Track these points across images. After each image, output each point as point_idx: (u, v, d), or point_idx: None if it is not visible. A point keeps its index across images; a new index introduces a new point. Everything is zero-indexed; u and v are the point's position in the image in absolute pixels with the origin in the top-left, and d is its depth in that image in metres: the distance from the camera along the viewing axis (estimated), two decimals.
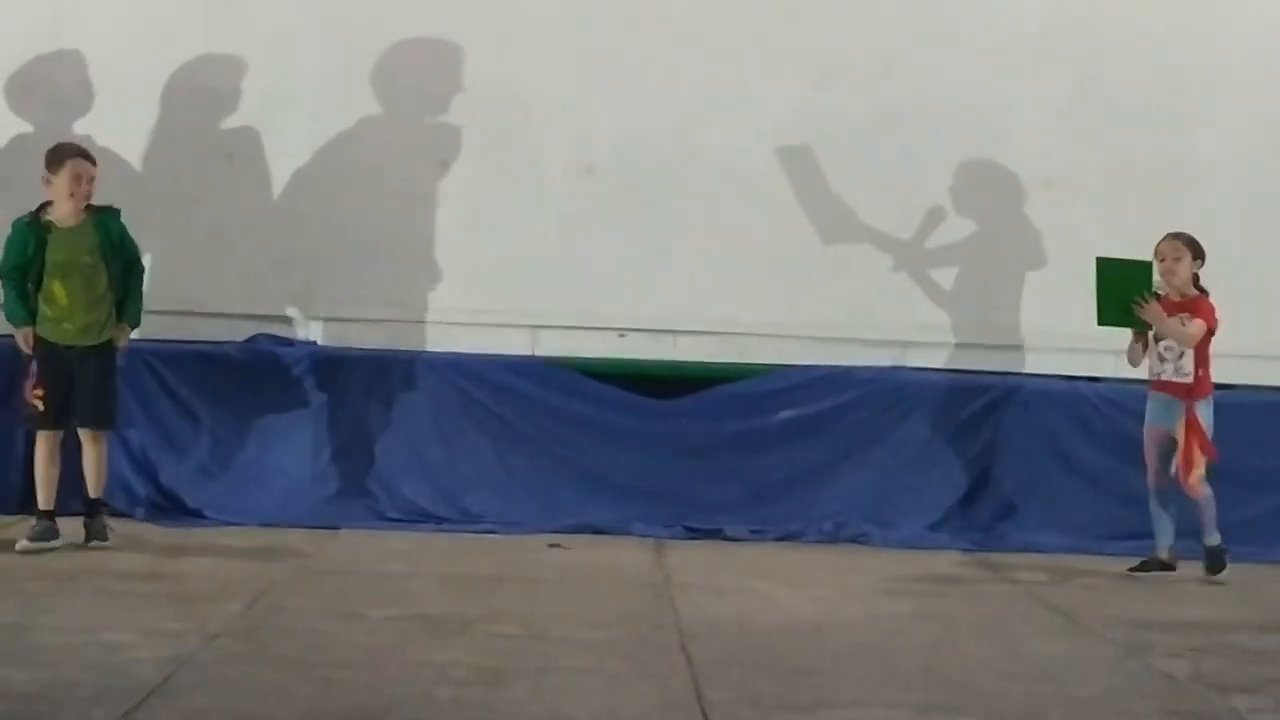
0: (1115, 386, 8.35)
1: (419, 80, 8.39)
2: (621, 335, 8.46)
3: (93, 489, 7.39)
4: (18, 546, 7.14)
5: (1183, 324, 7.38)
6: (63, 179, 7.20)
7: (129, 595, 6.35)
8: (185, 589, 6.51)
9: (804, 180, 8.49)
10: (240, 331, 8.36)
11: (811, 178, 8.50)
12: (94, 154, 7.38)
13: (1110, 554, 7.92)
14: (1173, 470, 7.45)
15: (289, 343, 8.44)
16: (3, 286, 7.35)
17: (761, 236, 8.44)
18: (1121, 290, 7.29)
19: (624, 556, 7.72)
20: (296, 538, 7.78)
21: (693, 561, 7.59)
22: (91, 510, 7.38)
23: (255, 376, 8.35)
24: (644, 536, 8.16)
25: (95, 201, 7.30)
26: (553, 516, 8.26)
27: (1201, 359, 7.43)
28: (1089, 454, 8.41)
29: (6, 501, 8.07)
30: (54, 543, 7.21)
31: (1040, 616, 6.68)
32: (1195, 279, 7.49)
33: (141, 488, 8.15)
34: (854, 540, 8.23)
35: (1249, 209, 8.42)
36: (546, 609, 6.36)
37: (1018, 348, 8.55)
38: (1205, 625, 6.48)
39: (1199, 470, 7.31)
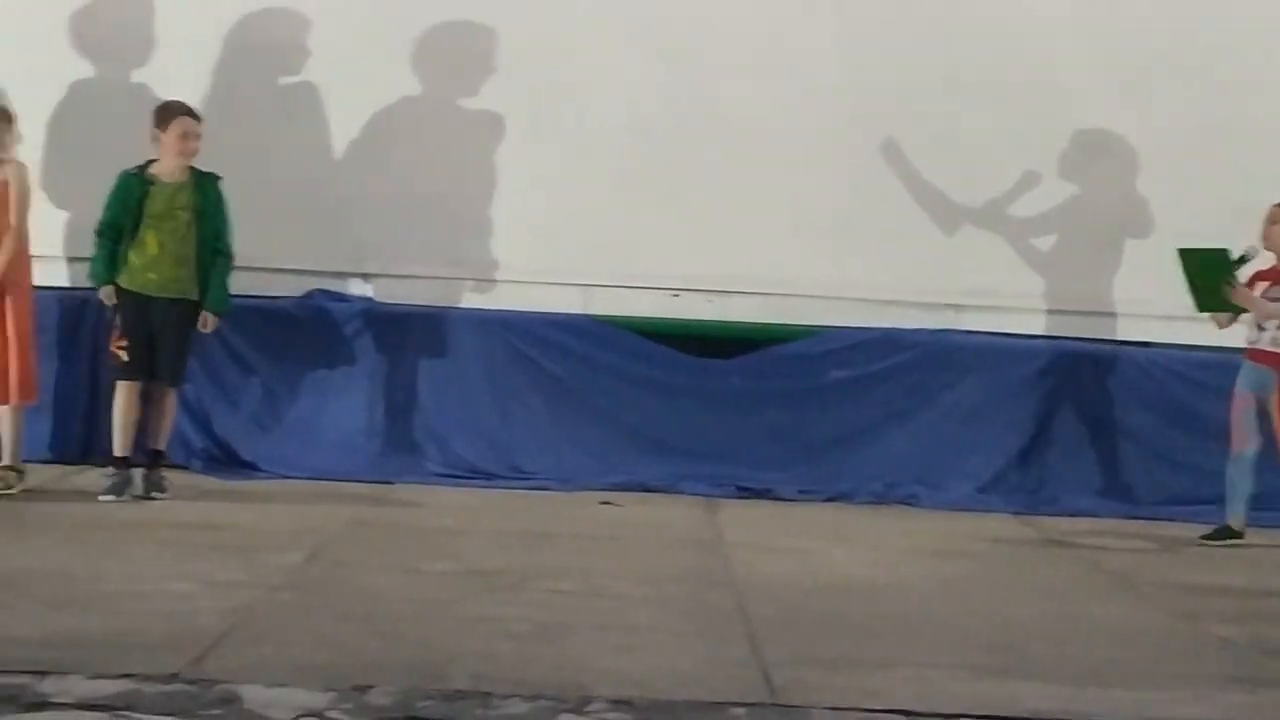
0: (1166, 351, 8.34)
1: (473, 38, 8.40)
2: (674, 295, 8.49)
3: (157, 440, 7.50)
4: (100, 497, 7.25)
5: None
6: (171, 135, 7.35)
7: (191, 546, 6.44)
8: (245, 541, 6.60)
9: (857, 141, 8.48)
10: (297, 287, 8.43)
11: (865, 139, 8.48)
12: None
13: (1161, 518, 7.93)
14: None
15: (344, 298, 8.51)
16: (96, 243, 7.46)
17: (815, 198, 8.44)
18: (1208, 277, 7.28)
19: (675, 514, 7.78)
20: (350, 492, 7.88)
21: (744, 520, 7.64)
22: (153, 461, 7.48)
23: (310, 331, 8.44)
24: (694, 495, 8.22)
25: None
26: (604, 474, 8.32)
27: None
28: (1140, 419, 8.40)
29: (69, 450, 8.19)
30: (128, 493, 7.32)
31: (1094, 580, 6.71)
32: None
33: (198, 440, 8.25)
34: (903, 502, 8.27)
35: None
36: (601, 565, 6.42)
37: (1069, 312, 8.53)
38: (1262, 591, 6.49)
39: None
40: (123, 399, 7.43)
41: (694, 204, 8.44)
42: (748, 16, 8.41)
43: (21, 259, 7.45)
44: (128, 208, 7.37)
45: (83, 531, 6.63)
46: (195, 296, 7.43)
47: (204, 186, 7.43)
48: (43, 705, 4.23)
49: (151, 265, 7.38)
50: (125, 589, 5.58)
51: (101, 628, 5.02)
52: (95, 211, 8.01)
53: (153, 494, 7.41)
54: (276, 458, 8.30)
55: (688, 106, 8.41)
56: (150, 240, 7.37)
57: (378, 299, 8.52)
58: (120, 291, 7.40)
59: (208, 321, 7.47)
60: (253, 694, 4.40)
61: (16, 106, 7.58)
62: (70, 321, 8.27)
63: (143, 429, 7.49)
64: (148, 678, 4.46)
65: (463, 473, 8.32)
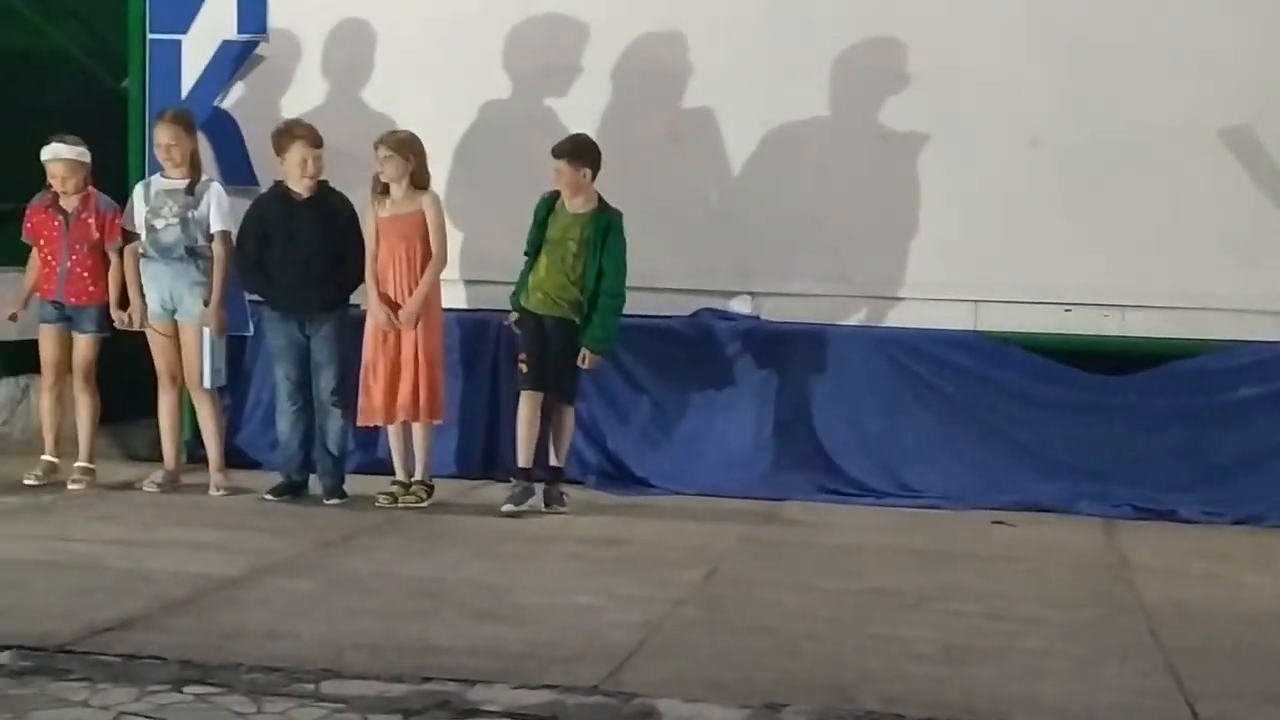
0: None
1: (862, 56, 8.36)
2: (1067, 310, 8.25)
3: (557, 456, 7.75)
4: (503, 507, 7.54)
5: None
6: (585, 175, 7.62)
7: (594, 560, 6.63)
8: (645, 555, 6.75)
9: (1260, 150, 8.07)
10: (685, 306, 8.56)
11: (1270, 146, 8.07)
12: (567, 137, 7.75)
13: None
14: None
15: (731, 317, 8.60)
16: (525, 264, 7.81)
17: (1215, 208, 8.06)
18: None
19: (1072, 535, 7.55)
20: (740, 508, 7.96)
21: (1146, 542, 7.36)
22: (553, 477, 7.72)
23: (698, 350, 8.56)
24: (1089, 515, 7.96)
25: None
26: (995, 493, 8.15)
27: None
28: None
29: (471, 465, 8.56)
30: (528, 504, 7.59)
31: None
32: None
33: (592, 456, 8.49)
34: None
35: None
36: (1001, 587, 6.30)
37: None
38: None
39: None
40: (524, 410, 7.69)
41: (1087, 216, 8.18)
42: (1139, 26, 8.11)
43: (434, 285, 7.82)
44: (539, 226, 7.68)
45: (492, 544, 6.90)
46: (575, 318, 7.64)
47: (599, 221, 7.62)
48: (473, 713, 4.42)
49: (539, 285, 7.66)
50: (537, 601, 5.78)
51: (519, 638, 5.21)
52: (492, 236, 8.40)
53: (553, 508, 7.66)
54: (667, 474, 8.46)
55: (1080, 119, 8.15)
56: (543, 262, 7.67)
57: (765, 317, 8.59)
58: (522, 309, 7.73)
59: (585, 358, 7.66)
60: (670, 708, 4.50)
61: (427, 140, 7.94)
62: (471, 342, 8.64)
63: (542, 445, 7.75)
64: (569, 689, 4.62)
65: (851, 490, 8.30)
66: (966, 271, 8.31)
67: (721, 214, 8.57)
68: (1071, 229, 8.17)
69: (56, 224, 8.08)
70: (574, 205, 7.64)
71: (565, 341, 7.67)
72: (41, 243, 8.14)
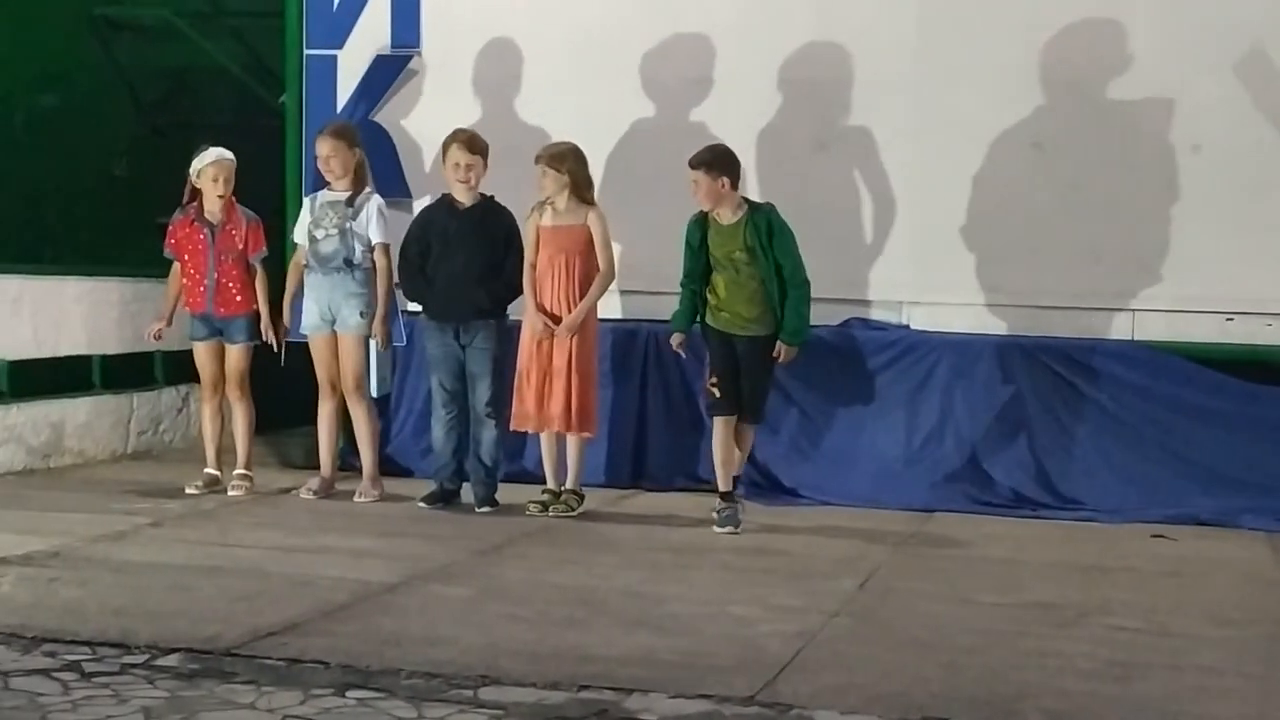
0: None
1: (1015, 63, 8.25)
2: (1229, 319, 8.06)
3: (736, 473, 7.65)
4: (715, 529, 7.42)
5: None
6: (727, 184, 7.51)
7: (745, 570, 6.61)
8: (797, 566, 6.71)
9: None
10: (833, 315, 8.49)
11: None
12: (704, 147, 7.67)
13: None
14: None
15: (881, 327, 8.54)
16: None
17: None
18: None
19: (1236, 550, 7.36)
20: (893, 519, 7.89)
21: None
22: (727, 495, 7.59)
23: (847, 359, 8.51)
24: (1253, 530, 7.76)
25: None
26: (1153, 505, 7.99)
27: None
28: None
29: (620, 475, 8.61)
30: (740, 526, 7.47)
31: None
32: None
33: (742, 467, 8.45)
34: None
35: None
36: (1164, 602, 6.16)
37: None
38: None
39: None
40: (719, 434, 7.58)
41: (1249, 224, 8.01)
42: None
43: (596, 300, 7.83)
44: (694, 251, 7.58)
45: (643, 553, 6.91)
46: (767, 332, 7.52)
47: (757, 223, 7.50)
48: None
49: (722, 305, 7.55)
50: (690, 610, 5.77)
51: (673, 647, 5.21)
52: (642, 246, 8.43)
53: (727, 528, 7.45)
54: (816, 484, 8.41)
55: (1243, 125, 7.98)
56: (719, 284, 7.55)
57: (915, 326, 8.51)
58: (708, 329, 7.62)
59: (782, 353, 7.54)
60: None
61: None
62: (621, 352, 8.69)
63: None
64: (725, 699, 4.61)
65: (1005, 501, 8.18)
66: (1124, 280, 8.18)
67: (870, 223, 8.51)
68: (1233, 236, 8.01)
69: (202, 237, 8.18)
70: (724, 217, 7.54)
71: (758, 359, 7.54)
72: (186, 257, 8.24)
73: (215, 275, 8.18)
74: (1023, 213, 8.31)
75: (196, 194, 8.20)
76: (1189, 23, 8.04)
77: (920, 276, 8.50)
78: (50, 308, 8.89)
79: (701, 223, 7.58)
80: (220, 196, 8.13)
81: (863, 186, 8.52)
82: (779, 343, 7.51)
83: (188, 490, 8.12)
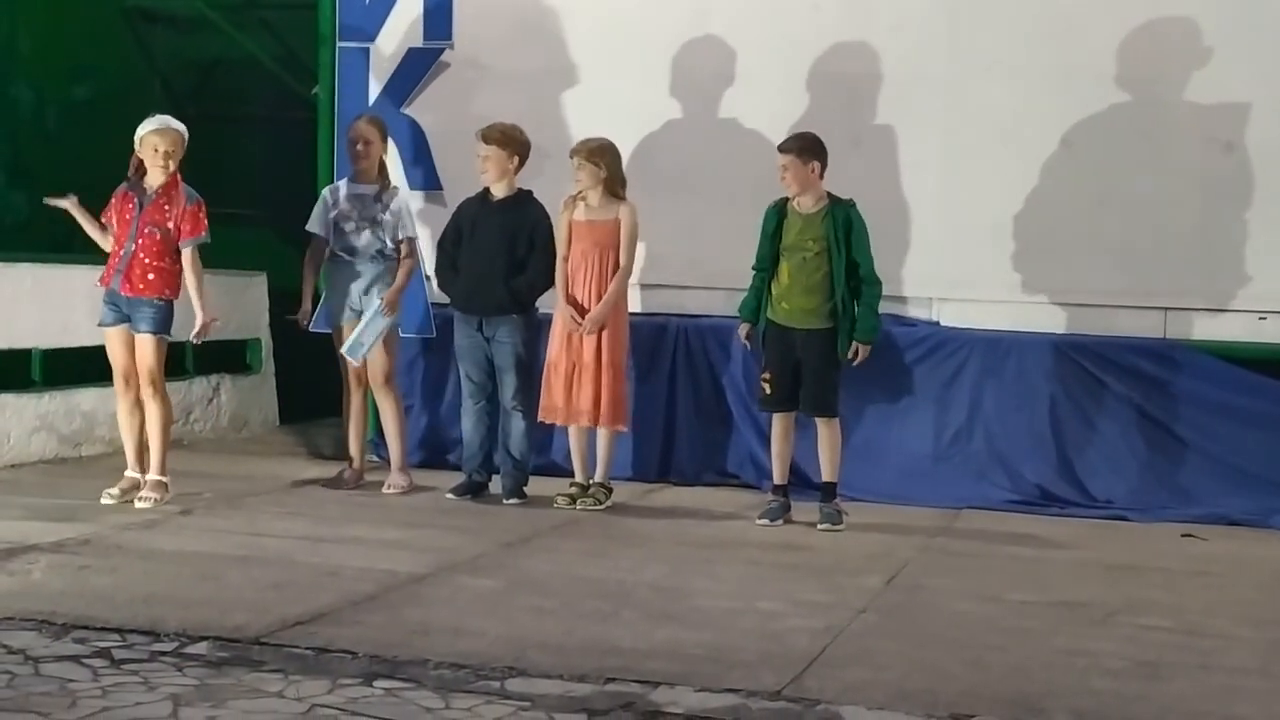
0: None
1: (1047, 57, 8.23)
2: (1262, 318, 8.02)
3: (826, 472, 7.64)
4: (757, 521, 7.48)
5: None
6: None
7: (773, 565, 6.61)
8: (824, 562, 6.70)
9: None
10: None
11: None
12: (793, 134, 7.67)
13: None
14: None
15: (911, 323, 8.52)
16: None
17: None
18: None
19: (1267, 550, 7.33)
20: (918, 516, 7.88)
21: None
22: (824, 495, 7.61)
23: (877, 355, 8.40)
24: None
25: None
26: (1182, 504, 7.97)
27: None
28: None
29: (647, 469, 8.61)
30: (781, 519, 7.52)
31: None
32: None
33: (769, 461, 8.39)
34: None
35: None
36: (1193, 603, 6.13)
37: None
38: None
39: None
40: (777, 430, 7.63)
41: None
42: None
43: (620, 295, 7.82)
44: (768, 237, 7.56)
45: (670, 547, 6.92)
46: (826, 326, 7.46)
47: (836, 217, 7.45)
48: (656, 714, 4.42)
49: (784, 295, 7.52)
50: (717, 605, 5.77)
51: (700, 641, 5.21)
52: (670, 240, 8.43)
53: (829, 525, 7.45)
54: (844, 480, 8.28)
55: (1278, 120, 7.94)
56: (783, 271, 7.52)
57: (945, 323, 8.49)
58: (768, 324, 7.59)
59: (856, 351, 7.49)
60: (854, 716, 4.46)
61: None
62: (649, 346, 8.69)
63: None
64: (752, 693, 4.60)
65: (1033, 499, 8.15)
66: (1156, 278, 8.14)
67: (902, 219, 8.49)
68: (1266, 234, 7.97)
69: (131, 205, 7.42)
70: (804, 206, 7.49)
71: (819, 352, 7.49)
72: (116, 228, 7.45)
73: (133, 248, 7.33)
74: (1053, 210, 8.28)
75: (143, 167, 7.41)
76: (1222, 20, 8.00)
77: (950, 272, 8.48)
78: (82, 297, 8.92)
79: (780, 209, 7.55)
80: (160, 168, 7.32)
81: (893, 182, 8.50)
82: (854, 342, 7.47)
83: (103, 499, 7.38)
